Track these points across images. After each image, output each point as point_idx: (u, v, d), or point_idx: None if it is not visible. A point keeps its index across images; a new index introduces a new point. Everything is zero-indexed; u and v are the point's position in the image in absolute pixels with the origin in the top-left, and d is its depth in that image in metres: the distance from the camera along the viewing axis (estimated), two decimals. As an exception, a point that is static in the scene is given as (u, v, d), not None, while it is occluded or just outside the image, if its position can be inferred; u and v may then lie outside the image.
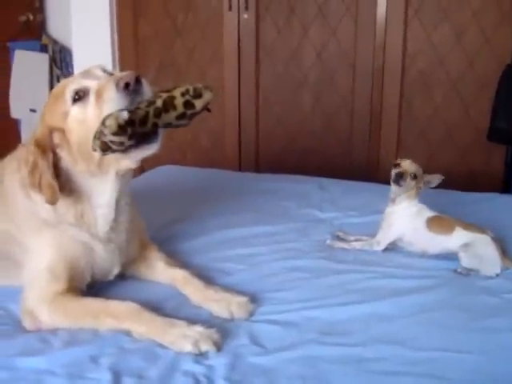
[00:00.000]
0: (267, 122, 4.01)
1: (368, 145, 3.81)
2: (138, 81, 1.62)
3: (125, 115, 1.54)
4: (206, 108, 1.72)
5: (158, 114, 1.62)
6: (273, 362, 1.51)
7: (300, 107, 3.93)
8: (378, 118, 3.76)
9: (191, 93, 1.68)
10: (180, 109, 1.66)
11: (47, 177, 1.71)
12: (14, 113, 4.51)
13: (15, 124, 4.57)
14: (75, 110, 1.72)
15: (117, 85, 1.61)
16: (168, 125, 1.68)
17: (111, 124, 1.53)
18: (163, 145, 1.71)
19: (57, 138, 1.75)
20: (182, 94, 1.67)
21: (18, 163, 1.81)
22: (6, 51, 4.52)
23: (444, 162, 3.60)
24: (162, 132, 1.69)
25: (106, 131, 1.54)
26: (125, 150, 1.63)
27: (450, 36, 3.57)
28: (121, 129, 1.54)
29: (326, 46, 3.77)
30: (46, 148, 1.73)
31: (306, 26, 3.78)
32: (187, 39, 4.04)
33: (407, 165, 2.16)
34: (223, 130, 4.08)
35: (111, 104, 1.60)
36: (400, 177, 2.14)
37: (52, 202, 1.73)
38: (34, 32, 4.50)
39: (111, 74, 1.79)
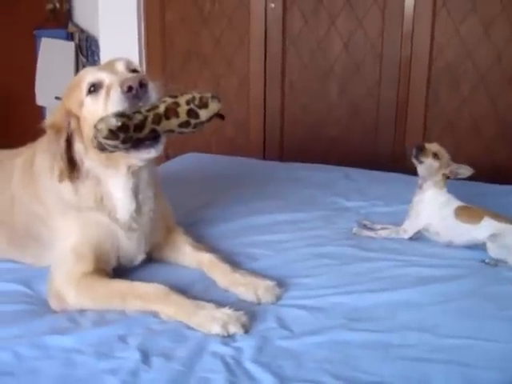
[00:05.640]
0: (293, 110, 3.99)
1: (394, 135, 3.77)
2: (142, 85, 1.63)
3: (114, 122, 1.53)
4: (213, 117, 1.70)
5: (158, 120, 1.61)
6: (300, 345, 1.52)
7: (326, 96, 3.90)
8: (405, 109, 3.73)
9: (197, 102, 1.65)
10: (183, 117, 1.64)
11: (57, 156, 1.75)
12: (40, 100, 4.53)
13: (41, 111, 4.59)
14: (88, 102, 1.74)
15: (121, 86, 1.63)
16: (171, 131, 1.67)
17: (102, 128, 1.54)
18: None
19: (73, 124, 1.77)
20: (187, 102, 1.65)
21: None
22: (33, 39, 4.55)
23: (470, 154, 3.54)
24: (163, 137, 1.68)
25: (98, 134, 1.55)
26: (123, 150, 1.64)
27: (479, 28, 3.53)
28: (112, 134, 1.54)
29: (353, 36, 3.74)
30: (61, 129, 1.77)
31: (333, 16, 3.76)
32: (214, 28, 4.03)
33: (431, 145, 2.17)
34: (248, 119, 4.07)
35: (113, 105, 1.63)
36: (420, 150, 2.14)
37: (59, 179, 1.77)
38: (61, 20, 4.53)
39: (133, 70, 1.81)
